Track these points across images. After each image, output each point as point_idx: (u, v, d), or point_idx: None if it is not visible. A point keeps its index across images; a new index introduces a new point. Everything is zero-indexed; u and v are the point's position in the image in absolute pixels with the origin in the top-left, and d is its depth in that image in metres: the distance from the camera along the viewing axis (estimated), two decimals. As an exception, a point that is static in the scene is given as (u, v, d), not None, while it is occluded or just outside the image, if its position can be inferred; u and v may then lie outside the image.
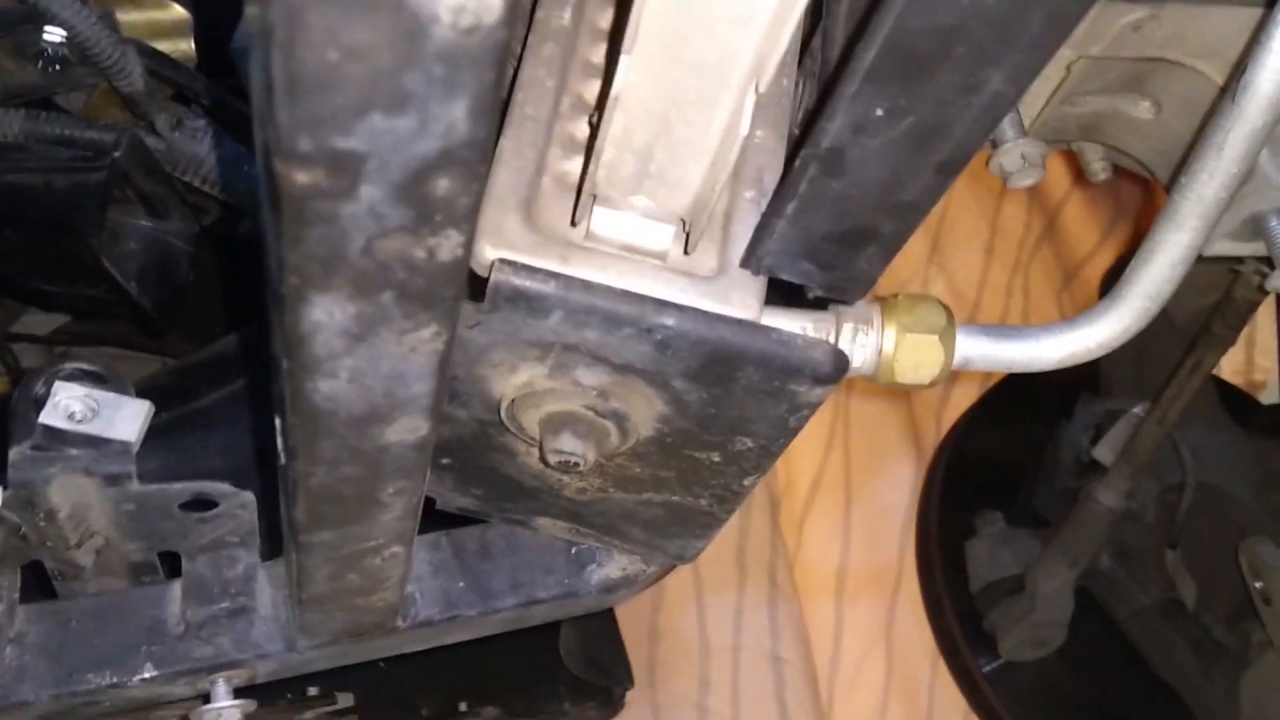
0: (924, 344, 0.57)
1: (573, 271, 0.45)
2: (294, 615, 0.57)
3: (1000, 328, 0.59)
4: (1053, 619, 1.38)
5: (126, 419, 0.51)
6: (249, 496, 0.55)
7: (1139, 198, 1.93)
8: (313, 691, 0.94)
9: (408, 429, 0.39)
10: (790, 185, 0.42)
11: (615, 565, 0.65)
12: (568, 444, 0.48)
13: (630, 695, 1.40)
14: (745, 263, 0.46)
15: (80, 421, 0.50)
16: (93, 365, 0.52)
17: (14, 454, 0.50)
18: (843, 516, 1.72)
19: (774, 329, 0.46)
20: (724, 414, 0.49)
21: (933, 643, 1.61)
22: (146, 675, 0.56)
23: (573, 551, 0.64)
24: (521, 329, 0.45)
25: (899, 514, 1.71)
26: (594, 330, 0.45)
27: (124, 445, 0.51)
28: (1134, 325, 0.58)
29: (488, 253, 0.45)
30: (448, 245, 0.30)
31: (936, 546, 1.58)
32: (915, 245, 1.69)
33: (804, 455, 1.74)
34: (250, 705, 0.58)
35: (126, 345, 1.14)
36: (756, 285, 0.46)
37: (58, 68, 0.75)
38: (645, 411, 0.49)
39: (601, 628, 1.41)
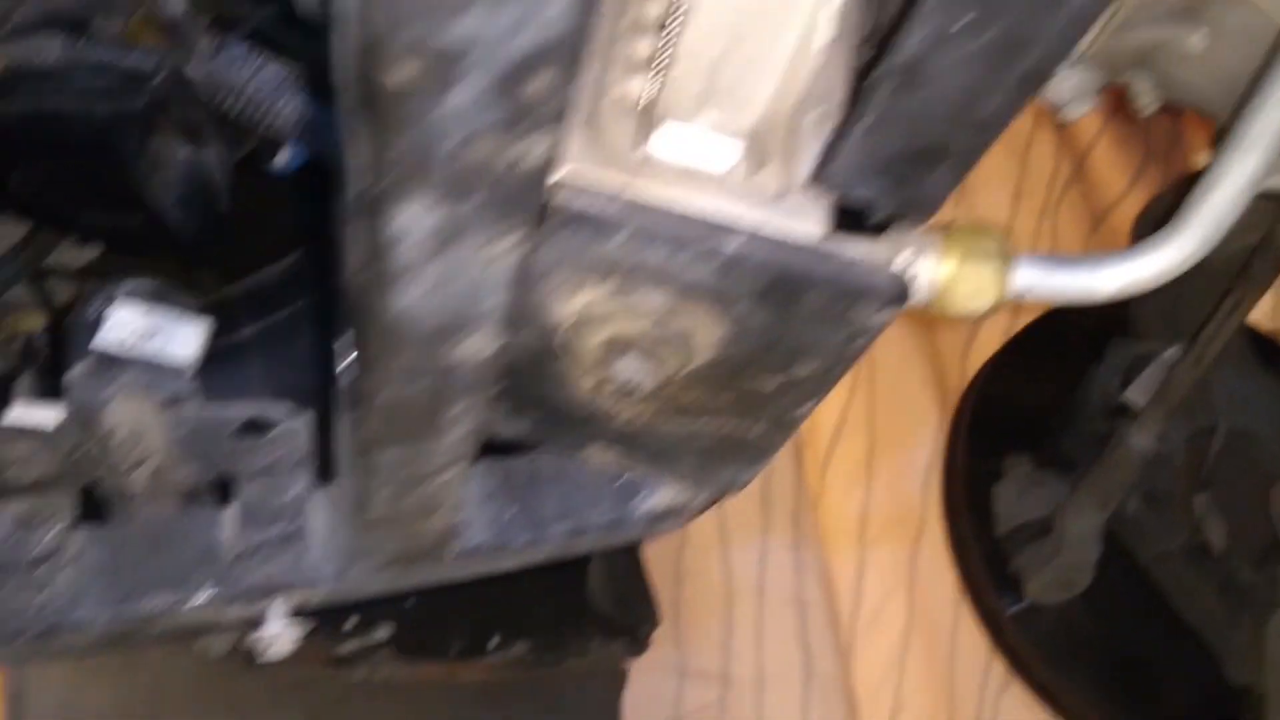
0: (982, 272, 0.56)
1: (637, 193, 0.44)
2: (349, 540, 0.57)
3: (1057, 258, 0.59)
4: (1080, 561, 1.38)
5: (185, 339, 0.51)
6: (305, 419, 0.55)
7: (1169, 141, 1.91)
8: (350, 624, 0.95)
9: (478, 345, 0.39)
10: (865, 101, 0.42)
11: (663, 495, 0.64)
12: (628, 368, 0.48)
13: (655, 635, 1.41)
14: (812, 182, 0.46)
15: (138, 342, 0.50)
16: (151, 284, 0.52)
17: (71, 375, 0.49)
18: (865, 461, 1.72)
19: (841, 252, 0.45)
20: (785, 339, 0.48)
21: (955, 587, 1.62)
22: (201, 600, 0.56)
23: (621, 481, 0.64)
24: (584, 251, 0.45)
25: (923, 458, 1.70)
26: (658, 252, 0.45)
27: (182, 366, 0.50)
28: (1195, 254, 0.57)
29: (552, 171, 0.44)
30: (536, 150, 0.30)
31: (963, 489, 1.57)
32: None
33: (827, 399, 1.74)
34: (302, 629, 0.59)
35: (169, 274, 1.14)
36: (823, 206, 0.46)
37: (97, -9, 0.74)
38: (706, 335, 0.49)
39: (629, 567, 1.41)
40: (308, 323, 0.85)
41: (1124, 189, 1.90)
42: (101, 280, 1.12)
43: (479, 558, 0.62)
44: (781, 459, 1.66)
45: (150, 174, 0.76)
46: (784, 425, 0.56)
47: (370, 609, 0.94)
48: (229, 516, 0.58)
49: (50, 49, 0.75)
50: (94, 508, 0.58)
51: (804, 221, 0.45)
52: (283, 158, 0.93)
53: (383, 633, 1.00)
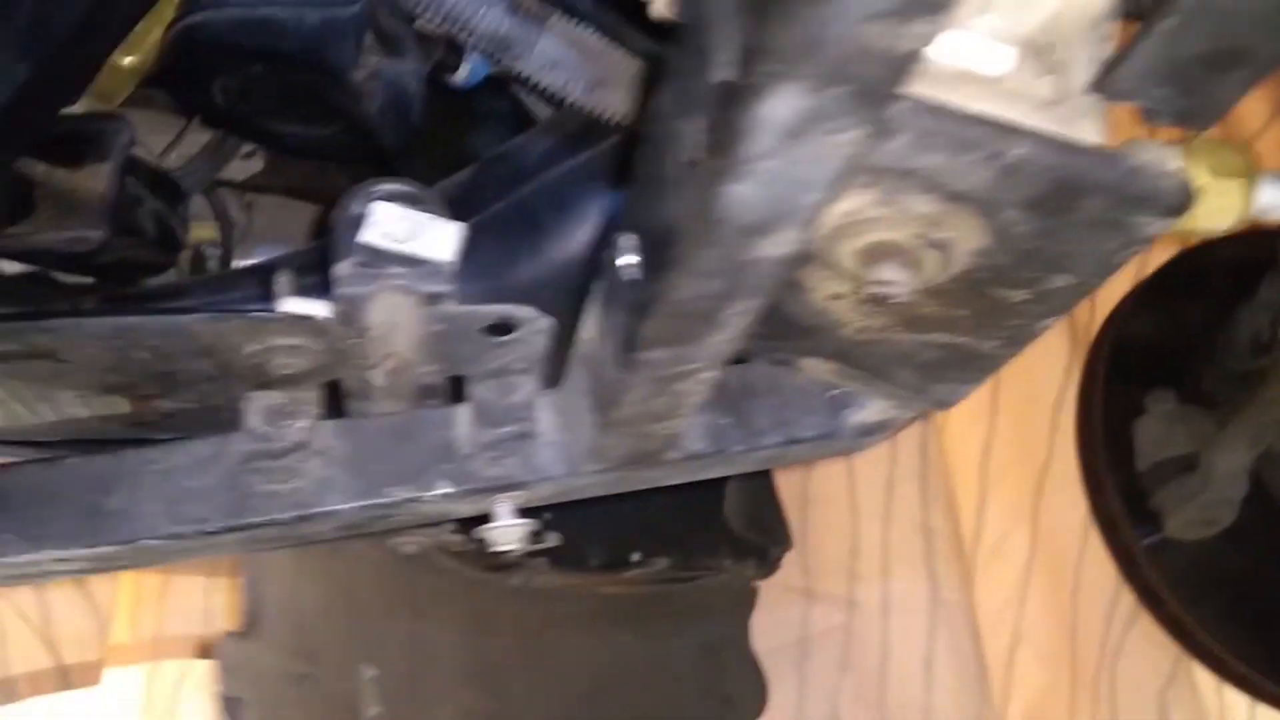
0: (1227, 188, 0.55)
1: (917, 94, 0.44)
2: (578, 441, 0.58)
3: (1305, 174, 0.57)
4: (1225, 498, 1.36)
5: (444, 239, 0.52)
6: (549, 322, 0.56)
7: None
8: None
9: (785, 243, 0.39)
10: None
11: (874, 409, 0.65)
12: (889, 274, 0.48)
13: (785, 559, 1.43)
14: (1096, 87, 0.45)
15: (400, 240, 0.51)
16: (407, 185, 0.53)
17: (340, 269, 0.51)
18: (991, 394, 1.70)
19: (1126, 157, 0.44)
20: (1049, 248, 0.48)
21: (1082, 521, 1.61)
22: (440, 491, 0.58)
23: (832, 394, 0.65)
24: (859, 154, 0.45)
25: (1050, 393, 1.68)
26: (938, 155, 0.44)
27: (444, 265, 0.52)
28: None
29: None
30: (917, 36, 0.30)
31: (1100, 424, 1.55)
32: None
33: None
34: (533, 525, 0.61)
35: (313, 197, 1.16)
36: (1102, 112, 0.45)
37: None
38: (966, 244, 0.48)
39: (764, 491, 1.43)
40: (491, 233, 0.87)
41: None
42: (257, 194, 1.14)
43: (696, 464, 0.63)
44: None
45: (353, 84, 0.78)
46: (1020, 339, 0.56)
47: (542, 519, 0.97)
48: (463, 414, 0.60)
49: (259, -44, 0.76)
50: (335, 402, 0.60)
51: (1088, 125, 0.45)
52: (464, 72, 0.94)
53: (549, 542, 1.03)
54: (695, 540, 1.37)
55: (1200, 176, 0.55)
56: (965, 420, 1.70)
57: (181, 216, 0.87)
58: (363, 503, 0.57)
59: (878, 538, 1.59)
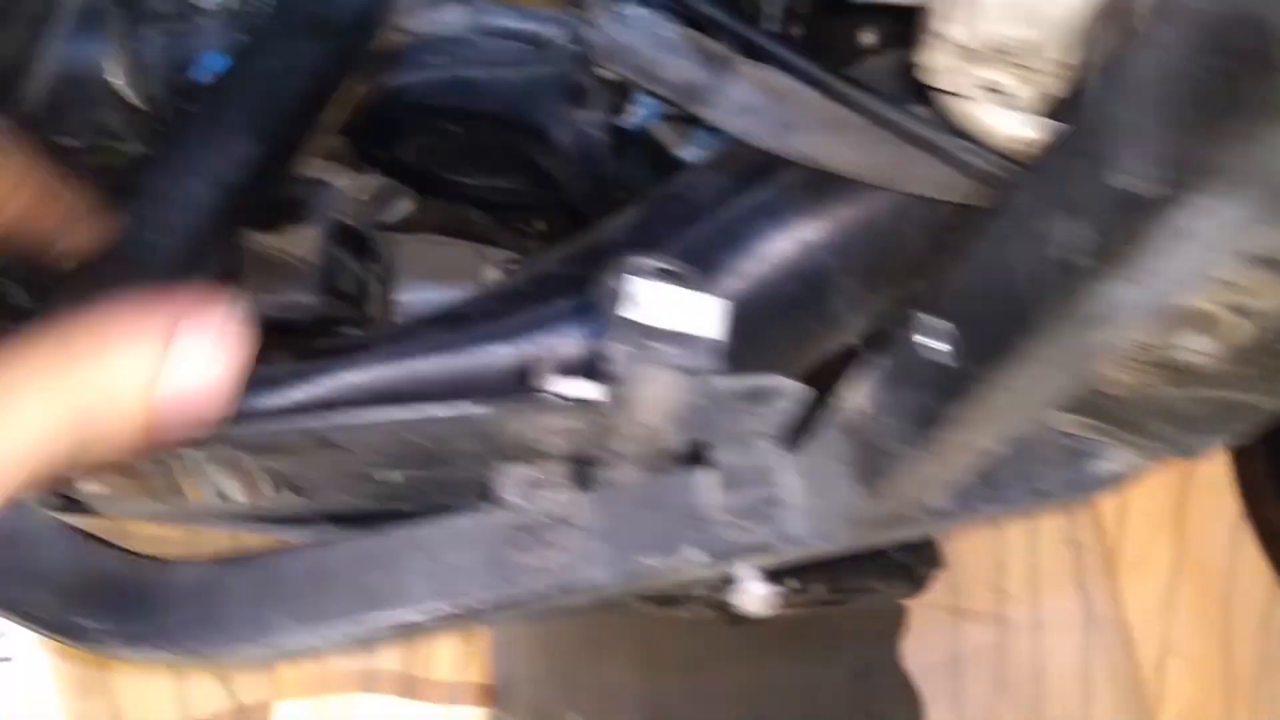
0: None
1: None
2: (827, 502, 0.58)
3: None
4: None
5: (709, 314, 0.52)
6: (807, 391, 0.55)
7: None
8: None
9: (1137, 330, 0.38)
10: None
11: (1118, 460, 0.63)
12: (1194, 342, 0.47)
13: (933, 578, 1.41)
14: None
15: (666, 318, 0.51)
16: (663, 261, 0.53)
17: (613, 350, 0.51)
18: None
19: None
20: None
21: (1230, 528, 1.56)
22: (691, 560, 0.58)
23: (1074, 445, 0.63)
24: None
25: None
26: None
27: (714, 342, 0.51)
28: None
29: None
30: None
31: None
32: None
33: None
34: (783, 591, 0.60)
35: (458, 234, 1.17)
36: None
37: (505, -43, 0.75)
38: (1275, 308, 0.47)
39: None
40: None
41: None
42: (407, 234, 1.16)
43: (941, 521, 0.62)
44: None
45: (553, 139, 0.78)
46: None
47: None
48: (708, 480, 0.60)
49: (453, 14, 0.77)
50: (590, 473, 0.60)
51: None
52: (636, 115, 0.94)
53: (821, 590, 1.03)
54: (845, 563, 1.36)
55: None
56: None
57: (376, 273, 0.88)
58: (619, 573, 0.57)
59: (1025, 554, 1.56)
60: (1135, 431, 0.60)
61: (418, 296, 1.05)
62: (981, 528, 0.65)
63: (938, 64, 0.47)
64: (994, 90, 0.48)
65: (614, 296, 0.52)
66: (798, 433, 0.60)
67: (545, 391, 0.51)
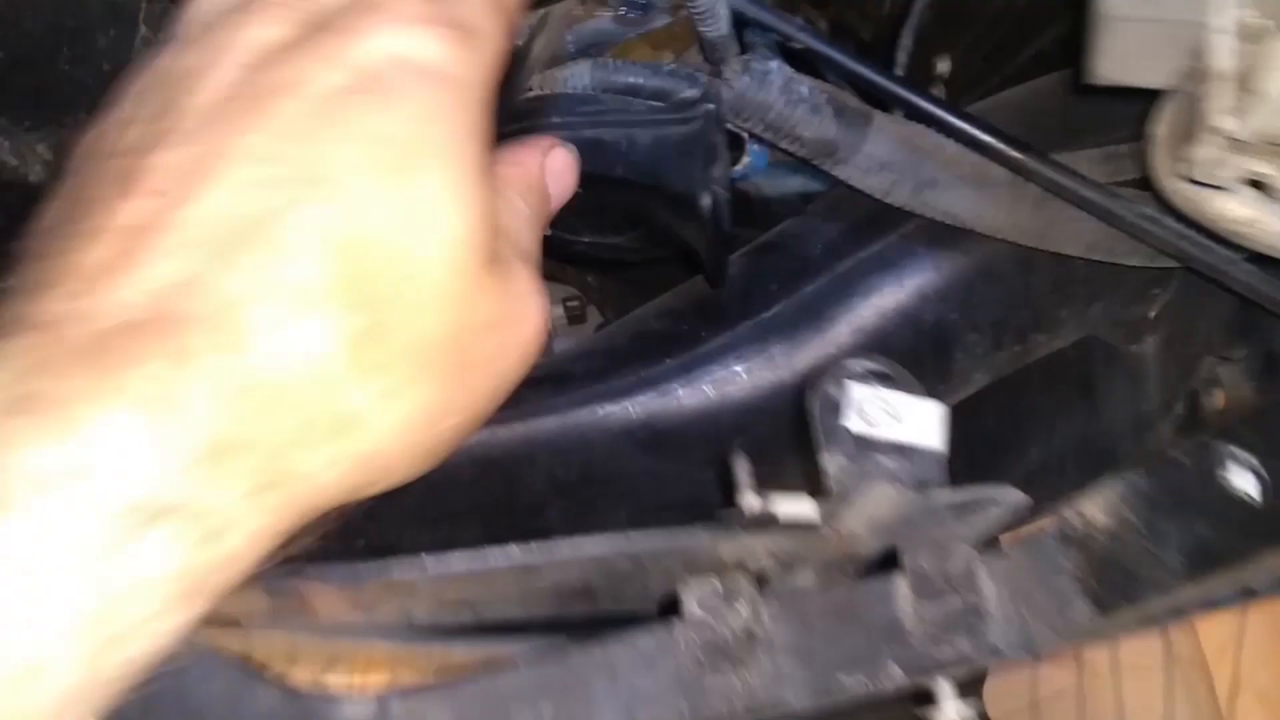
0: None
1: None
2: (1048, 616, 0.54)
3: None
4: None
5: (929, 421, 0.48)
6: (1026, 501, 0.51)
7: None
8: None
9: None
10: None
11: None
12: None
13: None
14: None
15: (884, 426, 0.47)
16: (879, 364, 0.48)
17: (831, 462, 0.47)
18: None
19: None
20: None
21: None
22: (893, 675, 0.54)
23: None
24: None
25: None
26: None
27: (937, 454, 0.47)
28: None
29: None
30: None
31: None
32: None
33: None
34: (972, 708, 0.56)
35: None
36: None
37: (637, 12, 0.70)
38: None
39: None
40: (778, 330, 0.82)
41: None
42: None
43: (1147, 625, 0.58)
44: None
45: (692, 201, 0.74)
46: None
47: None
48: (903, 588, 0.55)
49: (581, 72, 0.72)
50: (764, 579, 0.56)
51: None
52: (744, 164, 0.90)
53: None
54: None
55: None
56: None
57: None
58: (817, 693, 0.53)
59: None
60: None
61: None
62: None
63: (1202, 156, 0.43)
64: (1254, 183, 0.44)
65: (829, 402, 0.48)
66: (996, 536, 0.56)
67: (761, 511, 0.47)
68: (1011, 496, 0.51)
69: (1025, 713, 1.45)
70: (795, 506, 0.47)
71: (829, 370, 0.48)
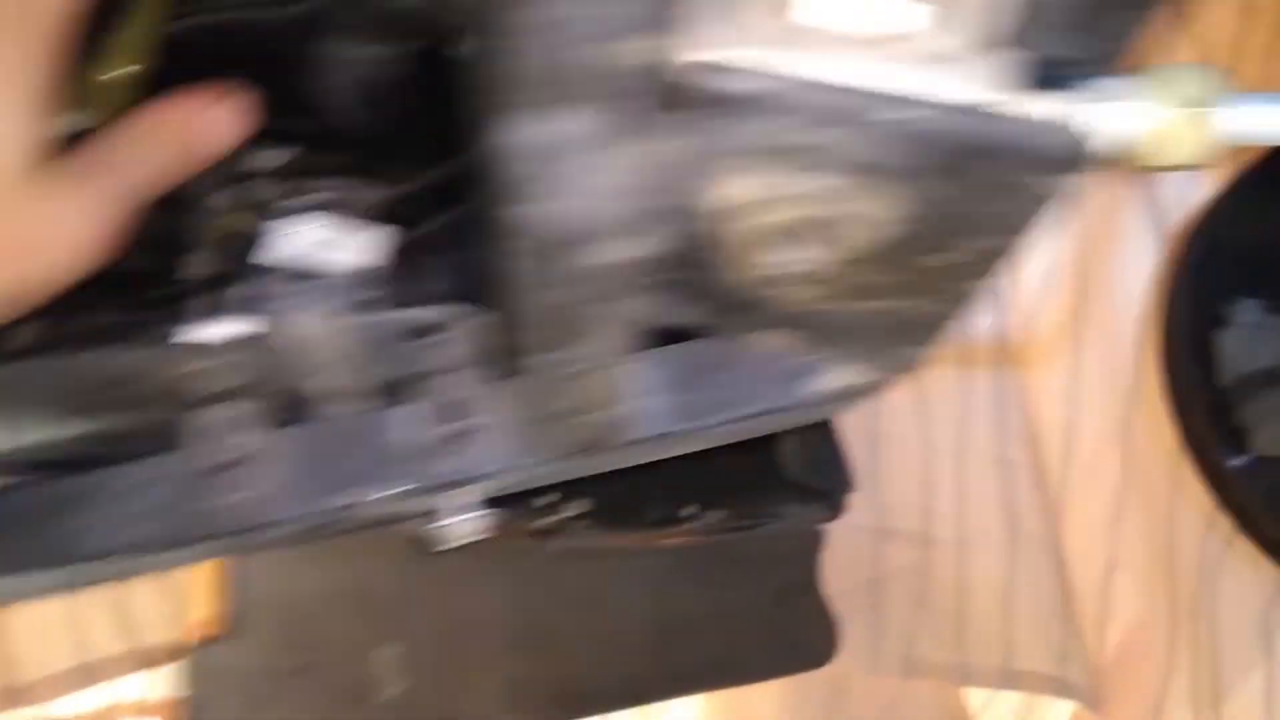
0: (1187, 119, 0.50)
1: (781, 67, 0.41)
2: (523, 435, 0.58)
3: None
4: (1315, 412, 1.27)
5: (363, 248, 0.52)
6: (478, 318, 0.55)
7: None
8: (544, 501, 0.98)
9: (618, 250, 0.37)
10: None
11: (836, 375, 0.62)
12: (786, 254, 0.46)
13: (855, 499, 1.40)
14: (983, 38, 0.41)
15: (316, 252, 0.51)
16: (322, 195, 0.52)
17: (249, 288, 0.51)
18: (1075, 310, 1.62)
19: (1016, 113, 0.41)
20: (954, 214, 0.45)
21: (1174, 444, 1.53)
22: (386, 494, 0.58)
23: (792, 363, 0.62)
24: (728, 136, 0.42)
25: (1140, 305, 1.60)
26: (808, 132, 0.42)
27: (362, 274, 0.51)
28: None
29: (684, 53, 0.41)
30: (668, 48, 0.27)
31: (1184, 338, 1.47)
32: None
33: (1031, 250, 1.63)
34: (481, 518, 0.60)
35: (348, 175, 1.17)
36: (997, 65, 0.41)
37: None
38: (870, 215, 0.46)
39: (820, 434, 1.40)
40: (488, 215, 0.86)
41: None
42: (296, 182, 1.16)
43: (653, 445, 0.61)
44: (978, 312, 1.59)
45: (317, 78, 0.77)
46: (956, 302, 0.53)
47: (563, 486, 0.97)
48: (407, 415, 0.60)
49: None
50: (277, 413, 0.61)
51: (978, 83, 0.41)
52: (466, 46, 0.93)
53: (575, 508, 1.03)
54: (751, 489, 1.36)
55: (1154, 108, 0.50)
56: (1050, 341, 1.64)
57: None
58: (310, 509, 0.58)
59: (952, 473, 1.55)
60: (838, 345, 0.59)
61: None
62: (709, 444, 0.65)
63: None
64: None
65: (263, 231, 0.52)
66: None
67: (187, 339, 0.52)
68: (457, 314, 0.54)
69: (867, 588, 1.49)
70: (209, 330, 0.52)
71: (269, 200, 0.52)
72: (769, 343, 0.60)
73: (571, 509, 1.03)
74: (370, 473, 0.58)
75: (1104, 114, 0.47)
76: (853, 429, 1.47)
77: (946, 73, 0.41)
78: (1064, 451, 1.61)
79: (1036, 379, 1.60)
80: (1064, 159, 0.41)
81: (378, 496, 0.58)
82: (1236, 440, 1.36)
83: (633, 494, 1.22)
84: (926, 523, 1.51)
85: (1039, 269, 1.66)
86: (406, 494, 0.59)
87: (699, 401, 0.61)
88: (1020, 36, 0.40)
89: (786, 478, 1.36)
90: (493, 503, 0.63)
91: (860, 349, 0.59)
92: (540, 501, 0.99)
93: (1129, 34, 0.40)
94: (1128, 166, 0.50)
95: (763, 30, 0.42)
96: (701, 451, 0.72)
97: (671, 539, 1.30)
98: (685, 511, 1.28)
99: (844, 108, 0.40)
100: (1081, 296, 1.63)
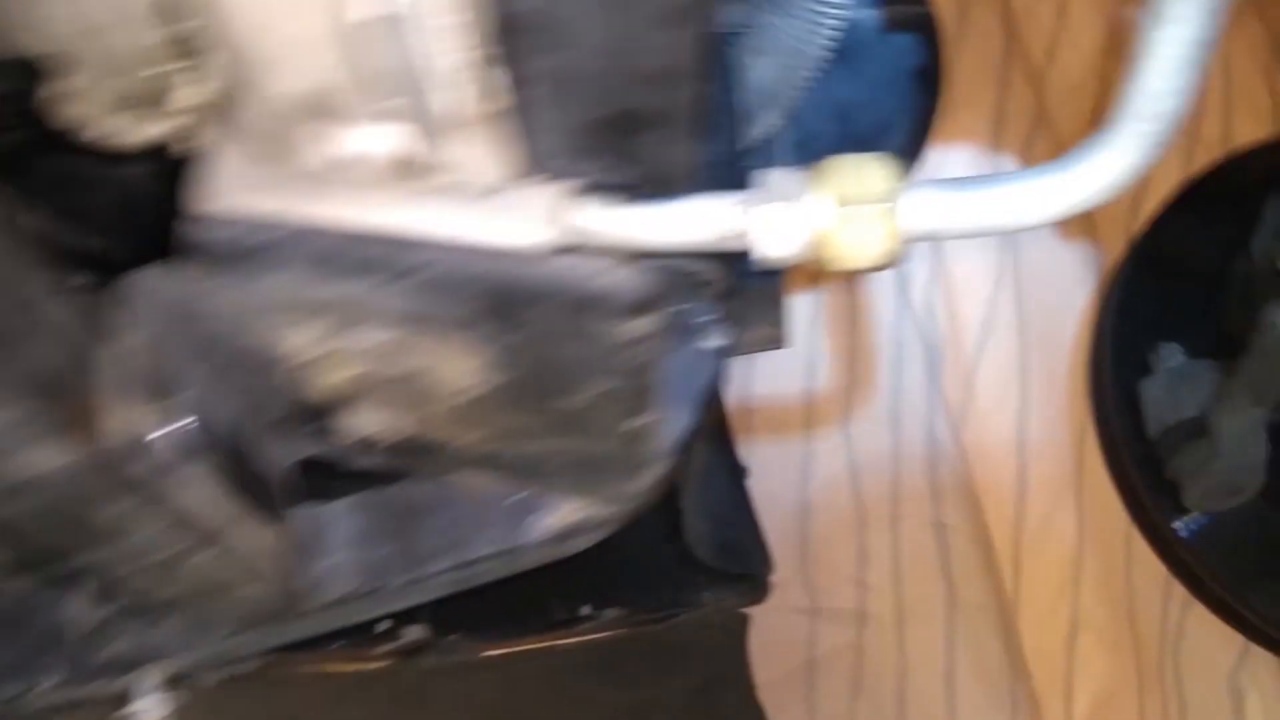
0: (870, 216, 0.44)
1: (300, 214, 0.36)
2: (188, 614, 0.52)
3: (967, 180, 0.46)
4: (1243, 463, 1.19)
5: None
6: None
7: None
8: (381, 629, 0.91)
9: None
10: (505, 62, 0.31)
11: (562, 512, 0.56)
12: (366, 418, 0.40)
13: (783, 576, 1.32)
14: (522, 167, 0.36)
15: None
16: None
17: None
18: (1018, 360, 1.55)
19: (557, 258, 0.35)
20: (542, 360, 0.39)
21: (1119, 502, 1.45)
22: (50, 684, 0.53)
23: (511, 501, 0.56)
24: (262, 290, 0.37)
25: (1083, 353, 1.52)
26: (342, 282, 0.36)
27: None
28: (1140, 159, 0.43)
29: (204, 203, 0.36)
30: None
31: (1112, 387, 1.39)
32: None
33: (971, 297, 1.56)
34: (168, 702, 0.55)
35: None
36: (544, 195, 0.36)
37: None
38: (454, 365, 0.40)
39: (732, 510, 1.33)
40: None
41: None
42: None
43: (353, 606, 0.56)
44: (909, 370, 1.52)
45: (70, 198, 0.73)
46: (628, 438, 0.46)
47: (398, 614, 0.90)
48: (74, 596, 0.54)
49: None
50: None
51: (518, 218, 0.36)
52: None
53: (417, 631, 0.96)
54: (659, 578, 1.29)
55: (834, 206, 0.44)
56: (992, 394, 1.55)
57: None
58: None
59: (888, 542, 1.47)
60: (545, 482, 0.53)
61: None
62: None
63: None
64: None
65: None
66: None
67: None
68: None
69: (800, 674, 1.41)
70: None
71: None
72: (473, 482, 0.54)
73: (413, 633, 0.96)
74: (27, 662, 0.53)
75: (776, 214, 0.41)
76: (778, 500, 1.40)
77: (499, 210, 0.36)
78: (1015, 511, 1.52)
79: (974, 436, 1.52)
80: (630, 302, 0.35)
81: (37, 688, 0.53)
82: (1172, 495, 1.27)
83: (523, 597, 1.15)
84: (861, 598, 1.43)
85: (976, 320, 1.59)
86: (70, 683, 0.53)
87: (407, 551, 0.55)
88: (546, 165, 0.34)
89: (698, 564, 1.29)
90: (333, 636, 0.58)
91: (566, 484, 0.53)
92: (379, 629, 0.93)
93: (672, 156, 0.34)
94: (819, 267, 0.44)
95: (289, 174, 0.36)
96: (602, 545, 0.65)
97: (574, 640, 1.23)
98: (580, 612, 1.21)
99: (361, 256, 0.35)
100: (1024, 342, 1.56)
